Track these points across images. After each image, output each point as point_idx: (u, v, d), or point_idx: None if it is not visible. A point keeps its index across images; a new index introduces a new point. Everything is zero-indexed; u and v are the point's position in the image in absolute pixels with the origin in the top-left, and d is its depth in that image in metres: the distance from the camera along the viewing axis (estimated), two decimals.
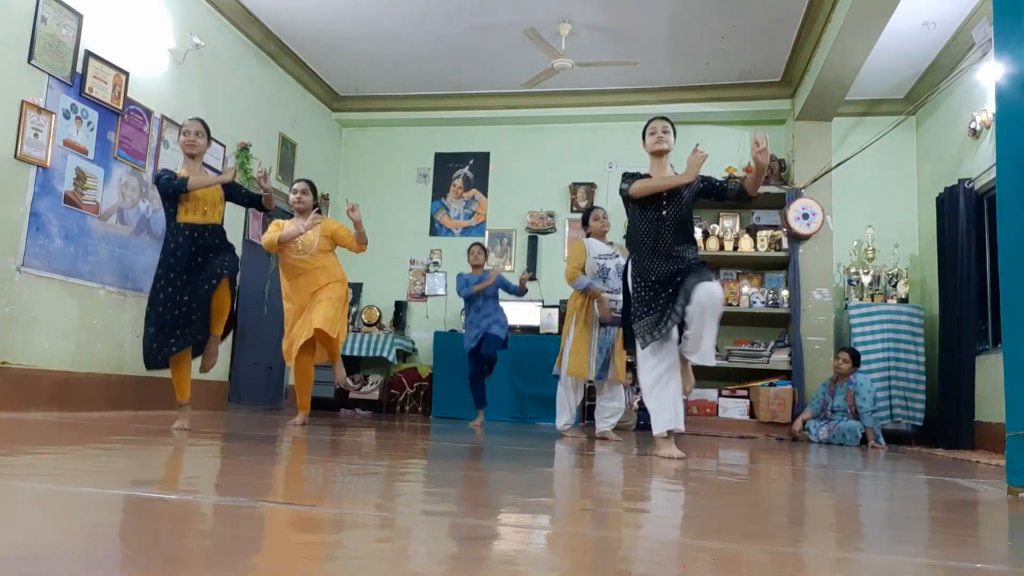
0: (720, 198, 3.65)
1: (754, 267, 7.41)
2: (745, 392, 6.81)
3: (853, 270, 6.99)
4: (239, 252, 4.27)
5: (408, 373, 7.67)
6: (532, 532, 1.53)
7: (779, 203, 7.13)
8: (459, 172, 8.23)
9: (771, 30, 6.36)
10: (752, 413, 6.72)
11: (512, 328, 6.42)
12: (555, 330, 7.11)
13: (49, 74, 4.43)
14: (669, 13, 6.14)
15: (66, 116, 4.55)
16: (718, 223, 7.33)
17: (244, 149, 6.42)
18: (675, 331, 3.48)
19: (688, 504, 2.16)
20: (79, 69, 4.65)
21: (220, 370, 5.97)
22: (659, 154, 3.66)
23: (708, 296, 3.38)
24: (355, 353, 7.37)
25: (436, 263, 8.07)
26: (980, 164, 5.99)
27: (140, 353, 3.87)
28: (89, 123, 4.74)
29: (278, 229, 4.66)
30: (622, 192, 3.67)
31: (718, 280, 7.15)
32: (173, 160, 5.46)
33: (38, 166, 4.34)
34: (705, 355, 3.46)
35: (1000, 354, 2.62)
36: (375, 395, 7.53)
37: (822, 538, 1.69)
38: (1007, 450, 2.40)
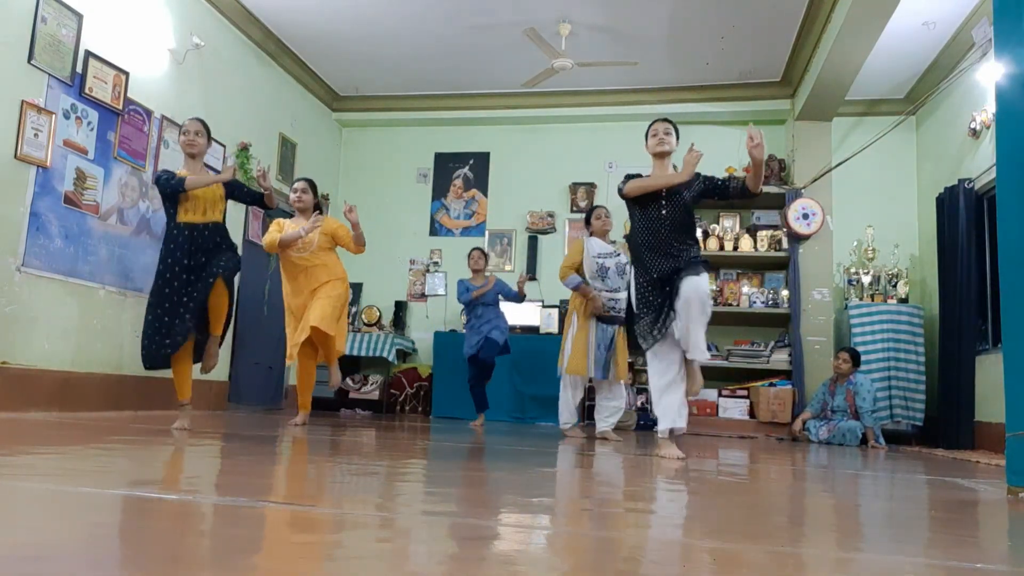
0: (723, 197, 3.65)
1: (754, 267, 7.41)
2: (745, 392, 6.82)
3: (853, 270, 6.99)
4: (238, 252, 4.25)
5: (408, 373, 7.66)
6: (532, 532, 1.53)
7: (779, 203, 7.13)
8: (459, 172, 8.23)
9: (771, 30, 6.36)
10: (752, 413, 6.72)
11: (512, 328, 6.41)
12: (555, 330, 7.11)
13: (49, 74, 4.43)
14: (669, 13, 6.14)
15: (66, 116, 4.55)
16: (718, 223, 7.33)
17: (244, 149, 6.42)
18: (676, 330, 3.49)
19: (688, 504, 2.16)
20: (79, 69, 4.65)
21: (220, 370, 5.97)
22: (661, 156, 3.67)
23: (693, 290, 3.39)
24: (355, 353, 7.37)
25: (436, 263, 8.07)
26: (980, 164, 6.00)
27: (140, 353, 3.88)
28: (89, 123, 4.74)
29: (279, 229, 4.65)
30: (619, 192, 3.73)
31: (719, 280, 7.18)
32: (173, 160, 5.46)
33: (38, 166, 4.34)
34: (695, 350, 3.45)
35: (1000, 354, 2.62)
36: (375, 395, 7.53)
37: (822, 538, 1.69)
38: (1007, 450, 2.40)
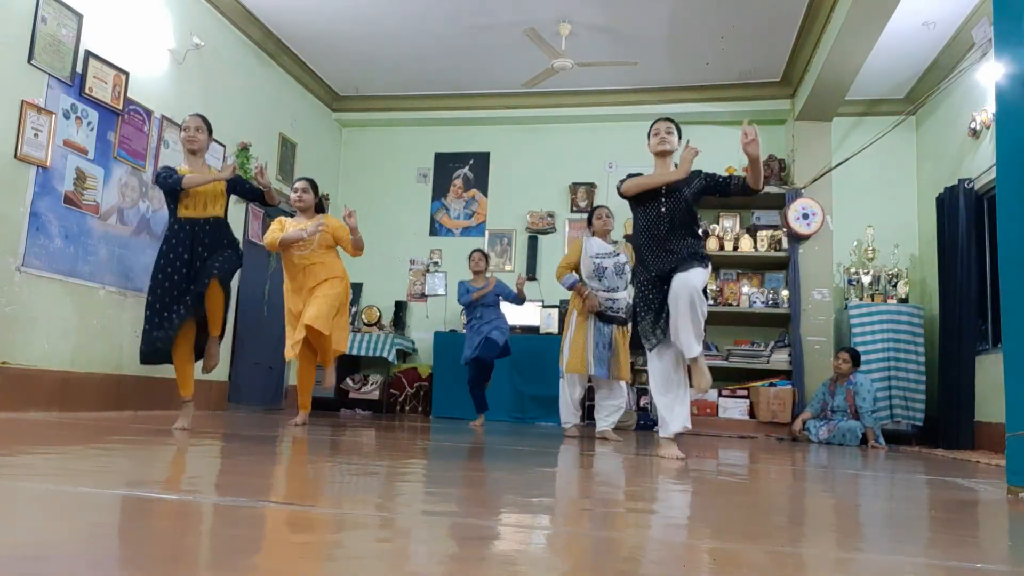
0: (724, 194, 3.65)
1: (754, 267, 7.40)
2: (745, 392, 6.82)
3: (853, 270, 6.99)
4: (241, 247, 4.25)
5: (408, 373, 7.66)
6: (532, 532, 1.53)
7: (779, 203, 7.13)
8: (459, 172, 8.23)
9: (771, 30, 6.36)
10: (752, 413, 6.72)
11: (512, 328, 6.41)
12: (555, 330, 7.11)
13: (49, 74, 4.43)
14: (669, 13, 6.14)
15: (66, 116, 4.55)
16: (718, 223, 7.33)
17: (244, 149, 6.42)
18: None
19: (688, 504, 2.16)
20: (79, 69, 4.65)
21: (220, 370, 5.97)
22: (662, 155, 3.67)
23: (682, 285, 3.38)
24: (355, 353, 7.37)
25: (436, 263, 8.07)
26: (980, 164, 6.00)
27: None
28: (89, 123, 4.74)
29: (281, 228, 4.66)
30: (618, 191, 3.75)
31: (720, 280, 7.17)
32: (173, 160, 5.46)
33: (38, 166, 4.34)
34: (684, 346, 3.42)
35: (1000, 354, 2.62)
36: (375, 395, 7.53)
37: (822, 538, 1.69)
38: (1007, 450, 2.40)
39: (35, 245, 4.34)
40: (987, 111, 5.79)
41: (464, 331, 6.28)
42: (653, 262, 3.60)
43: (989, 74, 5.69)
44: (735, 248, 7.13)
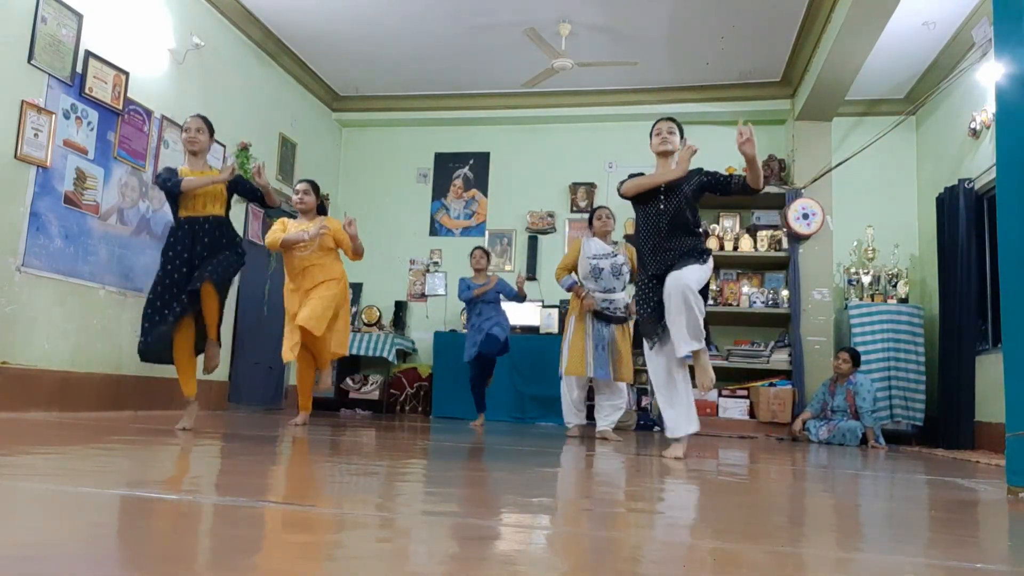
0: (725, 193, 3.65)
1: (754, 267, 7.41)
2: (745, 392, 6.82)
3: (853, 270, 6.99)
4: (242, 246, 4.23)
5: (408, 373, 7.66)
6: (532, 532, 1.53)
7: (779, 203, 7.13)
8: (459, 172, 8.23)
9: (771, 30, 6.36)
10: (752, 413, 6.72)
11: (512, 328, 6.41)
12: (555, 330, 7.11)
13: (49, 74, 4.43)
14: (669, 13, 6.14)
15: (66, 116, 4.55)
16: (718, 223, 7.33)
17: (244, 149, 6.42)
18: None
19: (688, 504, 2.16)
20: (79, 69, 4.65)
21: (220, 370, 5.97)
22: (664, 155, 3.68)
23: (674, 282, 3.38)
24: (355, 353, 7.37)
25: (436, 263, 8.07)
26: (980, 164, 6.00)
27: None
28: (89, 123, 4.74)
29: (283, 229, 4.67)
30: (618, 192, 3.77)
31: (720, 280, 7.17)
32: (173, 160, 5.46)
33: (38, 166, 4.34)
34: (675, 343, 3.41)
35: (1000, 354, 2.62)
36: (375, 395, 7.53)
37: (822, 538, 1.69)
38: (1007, 450, 2.40)
39: (35, 245, 4.34)
40: (987, 111, 5.79)
41: (464, 331, 6.28)
42: (652, 261, 3.61)
43: (989, 74, 5.69)
44: (735, 248, 7.13)
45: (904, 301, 6.75)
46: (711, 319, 3.63)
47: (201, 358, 4.01)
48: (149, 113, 5.31)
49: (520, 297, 5.92)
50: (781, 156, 7.44)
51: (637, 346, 3.93)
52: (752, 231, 7.21)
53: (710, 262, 3.58)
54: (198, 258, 3.82)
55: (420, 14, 6.32)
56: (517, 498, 2.04)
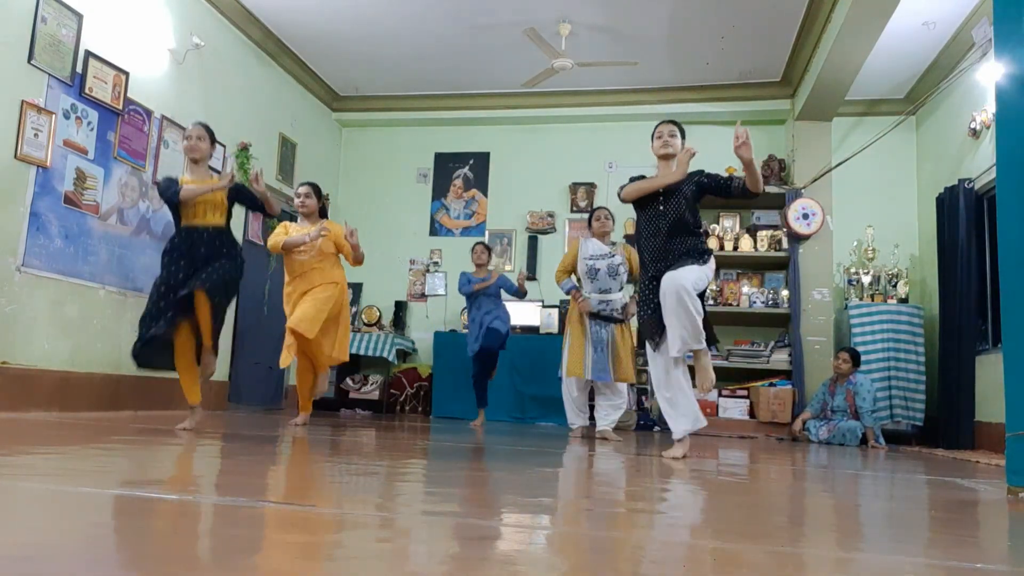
0: (725, 195, 3.64)
1: (754, 267, 7.41)
2: (745, 392, 6.82)
3: (853, 270, 6.99)
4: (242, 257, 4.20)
5: (408, 373, 7.66)
6: (532, 532, 1.53)
7: (779, 203, 7.13)
8: (459, 172, 8.23)
9: (771, 30, 6.36)
10: (752, 413, 6.72)
11: (512, 328, 6.41)
12: (555, 330, 7.12)
13: (49, 74, 4.43)
14: (669, 13, 6.14)
15: (66, 116, 4.55)
16: (718, 223, 7.33)
17: (244, 149, 6.42)
18: None
19: (688, 504, 2.16)
20: (79, 69, 4.65)
21: (220, 370, 5.98)
22: (665, 158, 3.69)
23: (669, 282, 3.38)
24: (355, 353, 7.37)
25: (436, 263, 8.07)
26: (980, 164, 6.00)
27: None
28: (89, 123, 4.74)
29: (285, 232, 4.67)
30: (618, 196, 3.79)
31: (720, 280, 7.17)
32: (173, 160, 5.46)
33: (38, 166, 4.34)
34: (669, 342, 3.40)
35: (1000, 354, 2.62)
36: (375, 395, 7.53)
37: (822, 538, 1.69)
38: (1007, 450, 2.40)
39: (35, 245, 4.34)
40: (987, 111, 5.79)
41: (465, 331, 6.28)
42: (652, 263, 3.62)
43: (989, 74, 5.69)
44: (735, 248, 7.13)
45: (904, 301, 6.75)
46: (711, 319, 3.62)
47: None
48: (149, 113, 5.31)
49: (521, 293, 5.93)
50: (781, 156, 7.44)
51: (640, 346, 3.94)
52: (752, 231, 7.21)
53: (711, 263, 3.56)
54: (195, 267, 3.76)
55: (420, 14, 6.32)
56: (517, 498, 2.04)
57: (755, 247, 7.10)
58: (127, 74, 5.06)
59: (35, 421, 3.76)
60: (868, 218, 7.11)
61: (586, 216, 5.83)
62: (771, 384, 6.71)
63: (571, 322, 5.15)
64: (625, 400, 5.24)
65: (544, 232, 7.89)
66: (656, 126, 3.76)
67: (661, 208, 3.60)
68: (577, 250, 5.20)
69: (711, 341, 3.54)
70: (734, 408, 6.77)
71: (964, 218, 6.06)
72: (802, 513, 2.17)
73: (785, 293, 6.96)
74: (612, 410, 5.07)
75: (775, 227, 7.18)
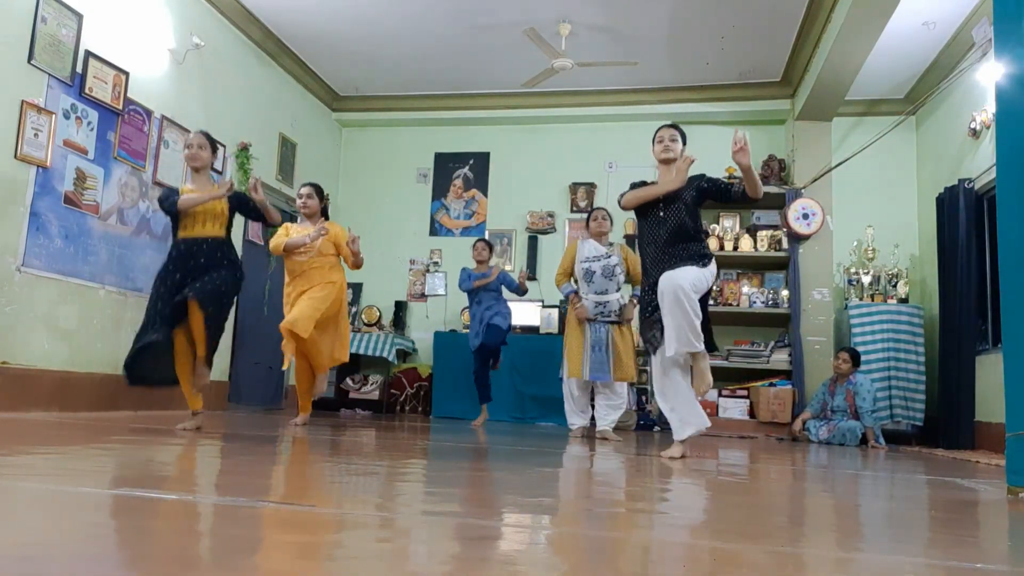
0: (726, 200, 3.65)
1: (754, 267, 7.41)
2: (745, 392, 6.82)
3: (853, 270, 6.99)
4: (238, 253, 4.17)
5: (408, 373, 7.66)
6: (533, 532, 1.53)
7: (779, 203, 7.13)
8: (459, 172, 8.23)
9: (771, 30, 6.36)
10: (752, 413, 6.72)
11: (512, 328, 6.41)
12: (555, 330, 7.12)
13: (49, 74, 4.43)
14: (669, 13, 6.14)
15: (66, 116, 4.55)
16: (718, 223, 7.33)
17: (244, 149, 6.42)
18: None
19: (688, 504, 2.16)
20: (79, 69, 4.65)
21: (220, 370, 5.98)
22: (666, 162, 3.70)
23: (667, 282, 3.38)
24: (355, 353, 7.37)
25: (436, 263, 8.07)
26: (980, 164, 6.00)
27: None
28: (89, 123, 4.74)
29: (286, 233, 4.68)
30: (619, 204, 3.82)
31: (720, 280, 7.17)
32: (173, 160, 5.46)
33: (38, 166, 4.34)
34: (667, 343, 3.40)
35: (1000, 354, 2.62)
36: (375, 395, 7.53)
37: (822, 538, 1.69)
38: (1007, 450, 2.40)
39: (35, 245, 4.34)
40: (987, 111, 5.79)
41: (465, 331, 6.28)
42: (654, 268, 3.61)
43: (989, 74, 5.69)
44: (735, 248, 7.13)
45: (904, 301, 6.75)
46: (712, 319, 3.63)
47: None
48: (149, 113, 5.31)
49: (521, 290, 5.94)
50: (781, 156, 7.44)
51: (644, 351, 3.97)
52: (752, 231, 7.21)
53: (711, 266, 3.55)
54: (190, 278, 3.68)
55: (420, 14, 6.32)
56: (517, 498, 2.04)
57: (755, 247, 7.10)
58: (127, 74, 5.06)
59: (35, 421, 3.76)
60: (868, 218, 7.11)
61: (585, 216, 5.84)
62: (771, 384, 6.71)
63: (570, 323, 5.17)
64: (624, 400, 5.25)
65: (544, 232, 7.89)
66: (657, 130, 3.76)
67: (661, 215, 3.61)
68: (574, 252, 5.22)
69: (710, 347, 3.54)
70: (734, 408, 6.77)
71: (964, 218, 6.06)
72: (802, 513, 2.17)
73: (785, 293, 6.96)
74: (611, 410, 5.08)
75: (775, 227, 7.18)
